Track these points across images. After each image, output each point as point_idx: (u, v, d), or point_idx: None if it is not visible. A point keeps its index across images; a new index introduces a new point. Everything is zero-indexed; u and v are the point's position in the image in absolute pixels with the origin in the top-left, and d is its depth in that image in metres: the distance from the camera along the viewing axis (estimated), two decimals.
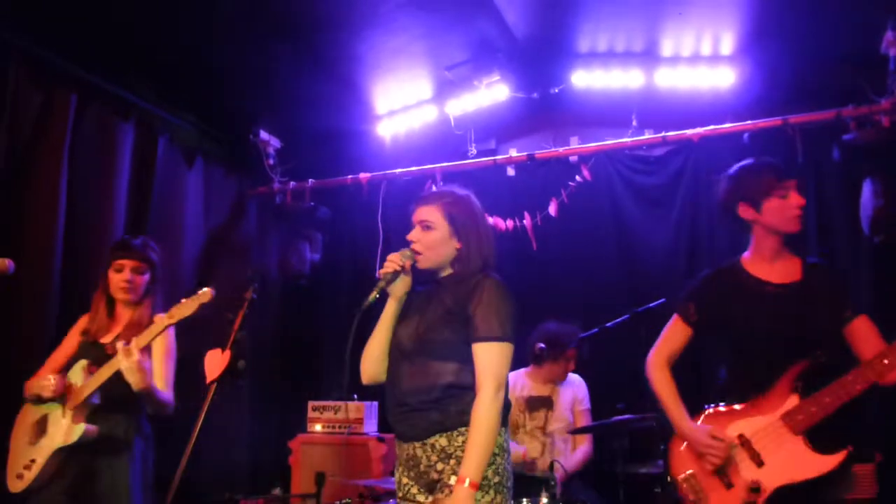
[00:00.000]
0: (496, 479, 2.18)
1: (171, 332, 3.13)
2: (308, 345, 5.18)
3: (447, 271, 2.40)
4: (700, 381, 3.69)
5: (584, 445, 3.89)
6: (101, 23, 3.66)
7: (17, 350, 3.42)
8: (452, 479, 2.14)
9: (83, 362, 2.96)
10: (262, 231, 5.16)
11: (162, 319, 2.86)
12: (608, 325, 3.75)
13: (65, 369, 3.05)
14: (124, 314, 3.16)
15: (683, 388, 2.67)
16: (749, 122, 4.08)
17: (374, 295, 2.29)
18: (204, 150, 4.78)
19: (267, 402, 4.91)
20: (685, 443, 2.57)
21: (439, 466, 2.21)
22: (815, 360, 2.40)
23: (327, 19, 3.87)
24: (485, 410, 2.15)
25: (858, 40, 3.70)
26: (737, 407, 2.51)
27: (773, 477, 2.37)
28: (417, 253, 2.35)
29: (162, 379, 3.04)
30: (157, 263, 3.21)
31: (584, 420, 3.92)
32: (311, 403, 4.53)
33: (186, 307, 2.81)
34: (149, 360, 3.02)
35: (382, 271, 2.32)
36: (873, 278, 3.82)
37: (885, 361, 2.29)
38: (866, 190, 3.67)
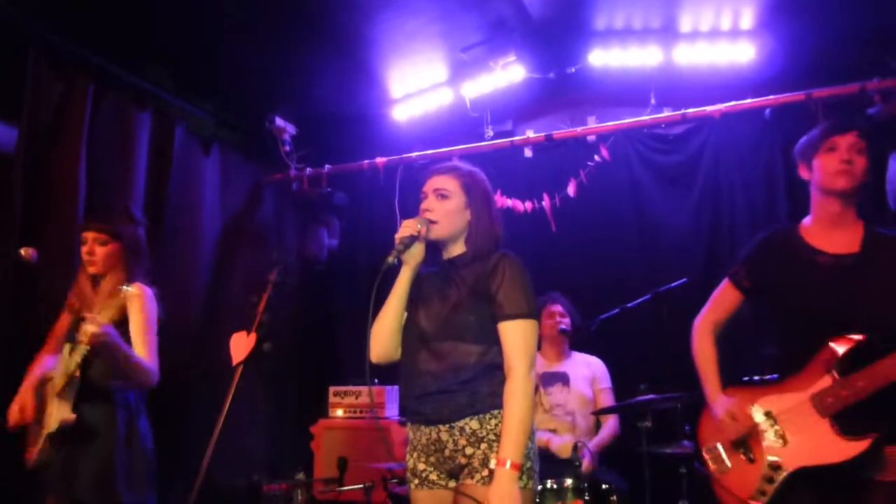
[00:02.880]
0: (528, 464, 2.13)
1: (150, 300, 2.97)
2: (327, 330, 5.19)
3: (458, 249, 2.34)
4: (740, 353, 3.63)
5: (610, 421, 3.89)
6: (118, 12, 3.66)
7: (38, 337, 3.44)
8: (488, 463, 2.09)
9: (67, 345, 2.87)
10: (279, 217, 5.16)
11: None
12: (629, 305, 3.74)
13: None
14: (104, 288, 2.98)
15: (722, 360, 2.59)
16: (771, 96, 4.01)
17: (392, 258, 2.23)
18: (220, 138, 4.79)
19: (287, 387, 4.94)
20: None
21: (468, 451, 2.15)
22: (855, 342, 2.24)
23: (341, 3, 3.85)
24: (521, 390, 2.12)
25: (881, 12, 3.62)
26: (771, 381, 2.44)
27: (794, 457, 2.32)
28: (432, 221, 2.29)
29: (143, 347, 2.87)
30: (125, 233, 3.00)
31: (606, 398, 3.91)
32: (331, 388, 4.54)
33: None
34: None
35: (399, 235, 2.25)
36: None
37: None
38: (892, 164, 3.60)
